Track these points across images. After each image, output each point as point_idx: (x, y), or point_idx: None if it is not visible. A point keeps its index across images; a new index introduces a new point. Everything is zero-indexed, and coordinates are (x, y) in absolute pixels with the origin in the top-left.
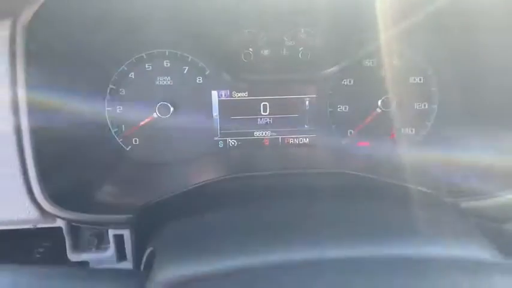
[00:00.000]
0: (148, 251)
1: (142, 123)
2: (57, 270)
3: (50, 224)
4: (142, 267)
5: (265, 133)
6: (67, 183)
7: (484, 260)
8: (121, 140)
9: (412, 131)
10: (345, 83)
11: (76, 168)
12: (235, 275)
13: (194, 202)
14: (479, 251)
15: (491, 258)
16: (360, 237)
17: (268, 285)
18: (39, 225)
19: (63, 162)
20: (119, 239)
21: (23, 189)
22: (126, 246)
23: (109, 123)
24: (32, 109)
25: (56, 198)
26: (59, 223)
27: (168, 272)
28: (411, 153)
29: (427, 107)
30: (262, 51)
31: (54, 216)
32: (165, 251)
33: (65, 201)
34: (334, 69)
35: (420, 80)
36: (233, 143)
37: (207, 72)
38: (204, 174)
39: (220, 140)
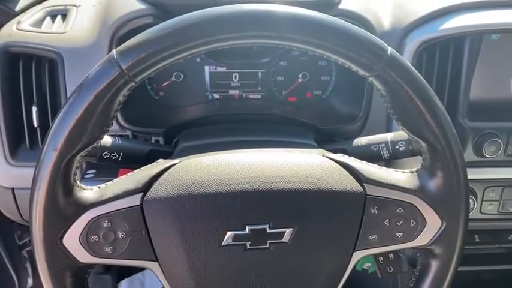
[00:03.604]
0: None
1: (164, 84)
2: None
3: (123, 132)
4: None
5: (235, 91)
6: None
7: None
8: (153, 92)
9: (320, 92)
10: (281, 63)
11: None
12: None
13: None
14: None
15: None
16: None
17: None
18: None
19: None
20: None
21: None
22: None
23: (146, 82)
24: None
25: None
26: (128, 132)
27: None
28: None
29: (329, 79)
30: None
31: (125, 129)
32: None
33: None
34: (267, 59)
35: (324, 63)
36: (216, 97)
37: (202, 56)
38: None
39: (209, 94)
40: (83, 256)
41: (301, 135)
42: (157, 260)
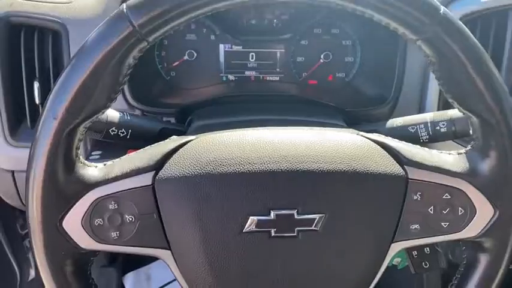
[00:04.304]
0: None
1: (176, 63)
2: None
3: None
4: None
5: (252, 72)
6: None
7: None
8: (164, 71)
9: (343, 74)
10: (302, 42)
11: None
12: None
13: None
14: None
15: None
16: None
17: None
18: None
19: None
20: None
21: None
22: None
23: (156, 61)
24: None
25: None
26: (137, 112)
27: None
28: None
29: (353, 60)
30: (251, 21)
31: (134, 108)
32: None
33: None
34: (289, 35)
35: (349, 42)
36: (231, 78)
37: (217, 33)
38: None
39: (223, 75)
40: (85, 242)
41: (328, 116)
42: (169, 248)
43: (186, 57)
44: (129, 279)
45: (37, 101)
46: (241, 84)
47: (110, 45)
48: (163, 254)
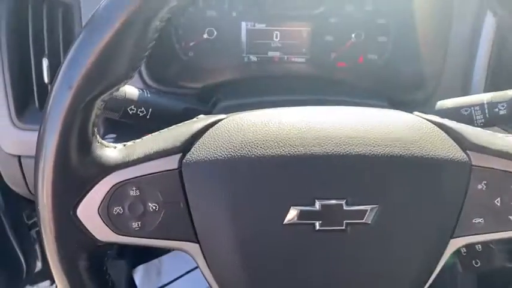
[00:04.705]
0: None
1: (195, 42)
2: None
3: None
4: None
5: (275, 53)
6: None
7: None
8: (181, 51)
9: (375, 56)
10: (332, 20)
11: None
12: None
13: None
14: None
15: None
16: None
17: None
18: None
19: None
20: None
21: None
22: None
23: (174, 40)
24: None
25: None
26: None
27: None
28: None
29: (386, 40)
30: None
31: (151, 88)
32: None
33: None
34: (321, 9)
35: (383, 20)
36: (254, 59)
37: (239, 9)
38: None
39: (245, 56)
40: (103, 233)
41: (370, 96)
42: (197, 241)
43: (205, 35)
44: (139, 272)
45: (46, 79)
46: (263, 66)
47: (136, 2)
48: (191, 247)
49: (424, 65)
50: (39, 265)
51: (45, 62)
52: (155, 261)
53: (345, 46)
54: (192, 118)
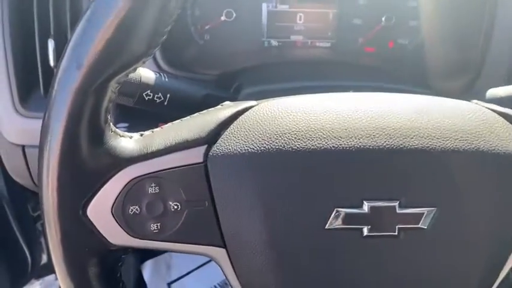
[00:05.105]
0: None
1: (212, 24)
2: None
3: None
4: None
5: (298, 37)
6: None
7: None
8: (197, 35)
9: (406, 41)
10: (360, 2)
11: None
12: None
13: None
14: None
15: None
16: None
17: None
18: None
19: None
20: None
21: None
22: None
23: (189, 22)
24: None
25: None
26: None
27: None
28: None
29: (418, 24)
30: None
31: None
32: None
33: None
34: None
35: (415, 3)
36: (274, 44)
37: None
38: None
39: (265, 41)
40: (116, 235)
41: (412, 82)
42: (224, 246)
43: (223, 17)
44: (147, 267)
45: (52, 63)
46: (285, 51)
47: None
48: (216, 253)
49: (463, 51)
50: (44, 258)
51: (51, 44)
52: (165, 255)
53: (374, 30)
54: (214, 106)
